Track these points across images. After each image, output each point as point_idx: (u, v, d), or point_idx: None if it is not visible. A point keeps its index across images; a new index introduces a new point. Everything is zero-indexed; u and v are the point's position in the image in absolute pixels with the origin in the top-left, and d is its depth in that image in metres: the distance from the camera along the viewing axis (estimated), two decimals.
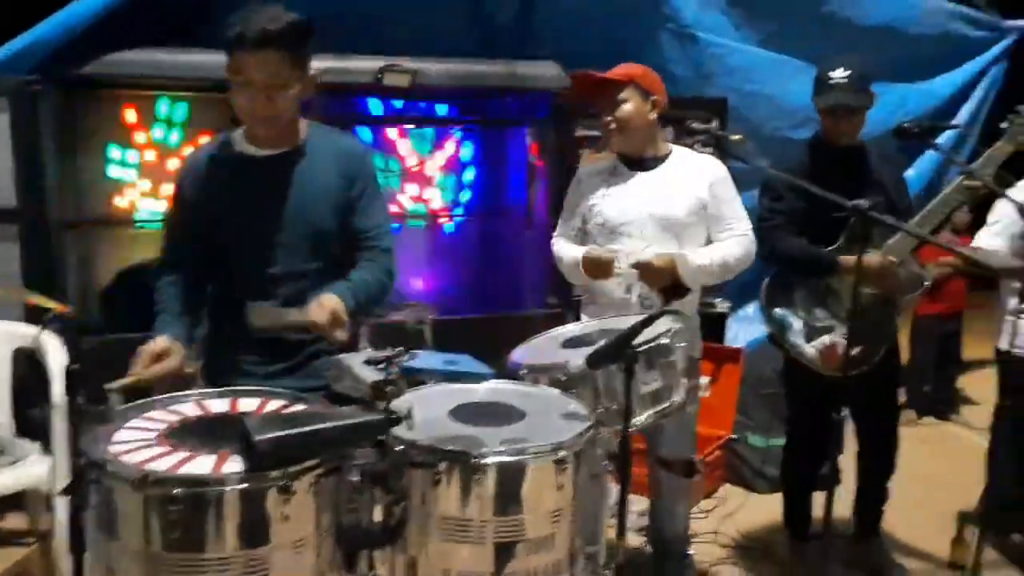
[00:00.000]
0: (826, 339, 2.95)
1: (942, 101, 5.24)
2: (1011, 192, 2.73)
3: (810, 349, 3.00)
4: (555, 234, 2.97)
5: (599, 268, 2.69)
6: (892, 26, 5.03)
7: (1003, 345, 3.24)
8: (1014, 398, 2.37)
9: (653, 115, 2.75)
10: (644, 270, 2.63)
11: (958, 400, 5.61)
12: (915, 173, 4.94)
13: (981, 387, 2.41)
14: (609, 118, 2.75)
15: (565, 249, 2.88)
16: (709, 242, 2.79)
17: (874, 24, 4.95)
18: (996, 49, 5.41)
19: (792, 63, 4.91)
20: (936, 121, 4.68)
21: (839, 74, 2.96)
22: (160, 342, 1.98)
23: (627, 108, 2.72)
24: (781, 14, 4.84)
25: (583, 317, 2.86)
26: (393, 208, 4.41)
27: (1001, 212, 3.24)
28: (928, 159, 5.17)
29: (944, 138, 4.96)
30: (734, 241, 2.76)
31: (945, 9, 5.24)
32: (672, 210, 2.73)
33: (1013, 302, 3.17)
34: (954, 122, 5.03)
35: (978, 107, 5.39)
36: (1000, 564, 3.45)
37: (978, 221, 3.45)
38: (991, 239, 3.28)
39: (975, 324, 5.62)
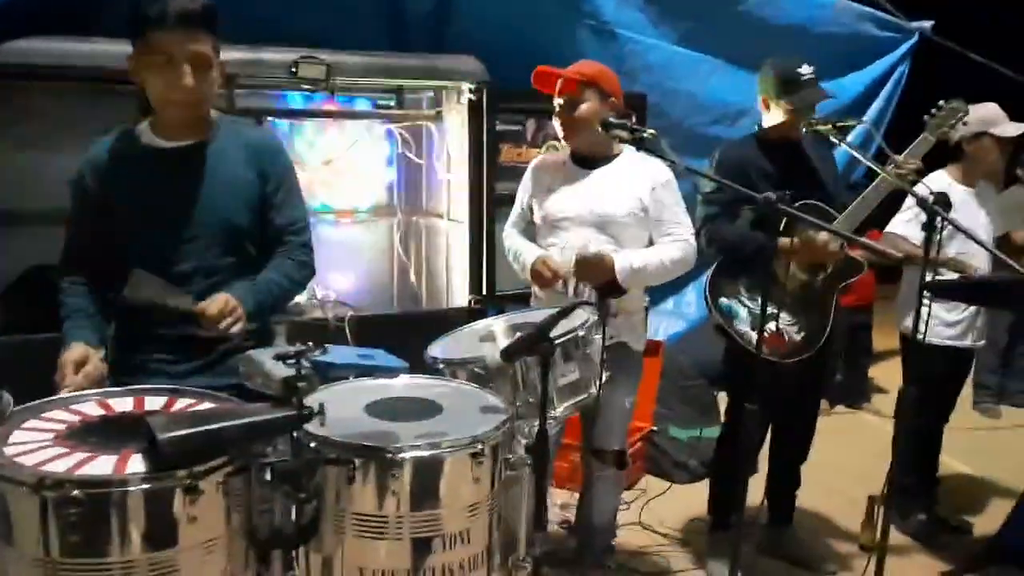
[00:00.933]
0: (771, 326, 3.00)
1: (851, 99, 5.42)
2: (919, 187, 2.84)
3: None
4: (507, 224, 3.03)
5: (545, 280, 2.74)
6: (804, 26, 5.18)
7: (902, 330, 3.38)
8: (914, 381, 2.45)
9: (609, 116, 2.73)
10: (579, 265, 2.66)
11: (870, 389, 5.81)
12: None
13: (892, 376, 2.51)
14: (564, 116, 2.76)
15: (517, 242, 2.93)
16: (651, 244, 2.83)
17: (787, 23, 5.09)
18: (901, 49, 5.62)
19: (709, 61, 5.03)
20: (846, 118, 4.83)
21: (807, 70, 3.03)
22: (77, 349, 1.93)
23: (584, 108, 2.73)
24: (697, 13, 4.94)
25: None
26: (311, 204, 4.34)
27: (911, 203, 3.39)
28: (840, 155, 5.33)
29: (852, 135, 5.12)
30: (673, 244, 2.78)
31: (854, 10, 5.43)
32: (610, 209, 2.75)
33: (911, 287, 3.32)
34: (862, 119, 5.19)
35: (885, 105, 5.60)
36: (905, 544, 3.59)
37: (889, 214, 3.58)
38: (904, 227, 3.43)
39: (885, 315, 5.82)
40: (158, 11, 1.88)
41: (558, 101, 2.78)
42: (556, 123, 2.82)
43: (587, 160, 2.84)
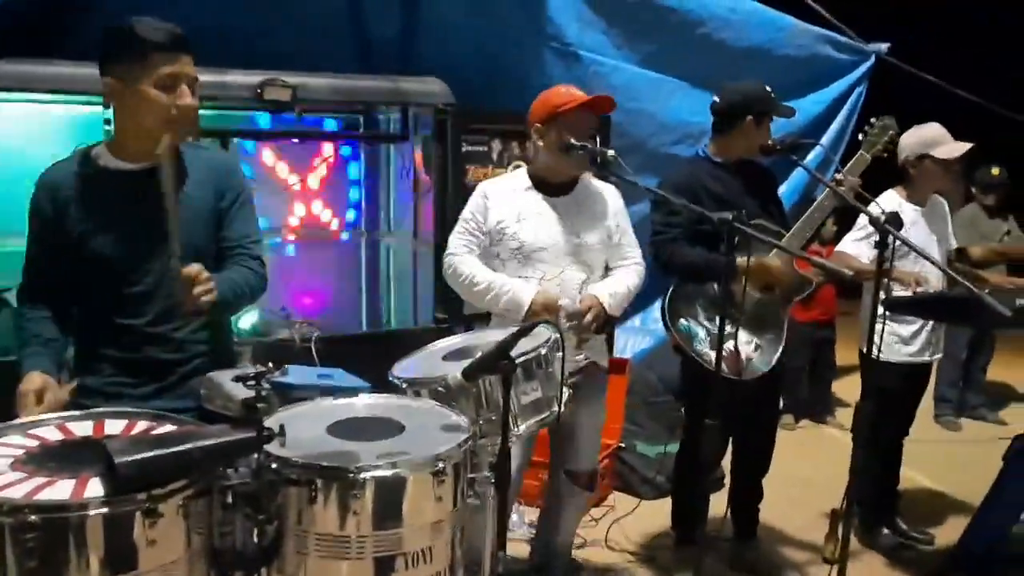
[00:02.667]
0: (729, 345, 3.05)
1: (810, 119, 5.51)
2: (871, 207, 2.91)
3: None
4: (452, 250, 2.83)
5: (547, 313, 2.62)
6: (763, 48, 5.27)
7: (863, 347, 3.44)
8: (871, 398, 2.50)
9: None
10: (578, 320, 2.63)
11: (834, 404, 5.89)
12: (787, 189, 5.18)
13: (855, 391, 2.56)
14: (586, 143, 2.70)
15: (476, 270, 2.77)
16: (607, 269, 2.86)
17: (746, 46, 5.17)
18: (859, 71, 5.73)
19: (671, 82, 5.10)
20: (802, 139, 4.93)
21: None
22: (36, 379, 1.93)
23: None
24: (658, 36, 5.00)
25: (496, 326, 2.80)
26: (277, 224, 4.34)
27: (863, 222, 3.45)
28: (799, 176, 5.43)
29: (810, 157, 5.22)
30: (632, 271, 2.86)
31: (812, 33, 5.53)
32: (585, 238, 2.79)
33: (869, 305, 3.38)
34: (819, 141, 5.30)
35: (843, 125, 5.70)
36: (868, 556, 3.65)
37: (842, 233, 3.66)
38: (855, 245, 3.49)
39: (847, 330, 5.91)
40: (164, 35, 1.96)
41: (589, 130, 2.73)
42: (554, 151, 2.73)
43: (552, 186, 2.82)
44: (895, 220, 2.43)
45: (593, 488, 3.07)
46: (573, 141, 2.64)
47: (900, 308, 3.29)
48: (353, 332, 4.26)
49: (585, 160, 2.71)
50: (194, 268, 1.88)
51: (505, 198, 2.81)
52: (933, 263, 2.74)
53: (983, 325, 5.03)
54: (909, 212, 3.49)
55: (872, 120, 3.12)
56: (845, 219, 3.56)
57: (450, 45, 4.40)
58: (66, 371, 2.13)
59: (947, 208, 3.74)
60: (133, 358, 2.06)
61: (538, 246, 2.75)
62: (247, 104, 3.64)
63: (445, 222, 3.98)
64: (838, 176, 3.02)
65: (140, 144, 2.03)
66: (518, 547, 3.34)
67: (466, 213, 2.86)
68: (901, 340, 3.52)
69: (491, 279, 2.75)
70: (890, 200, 3.52)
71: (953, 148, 3.44)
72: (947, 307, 3.25)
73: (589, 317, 2.65)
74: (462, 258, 2.81)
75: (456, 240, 2.85)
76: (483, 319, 3.62)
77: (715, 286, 3.08)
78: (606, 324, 2.76)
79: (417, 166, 4.16)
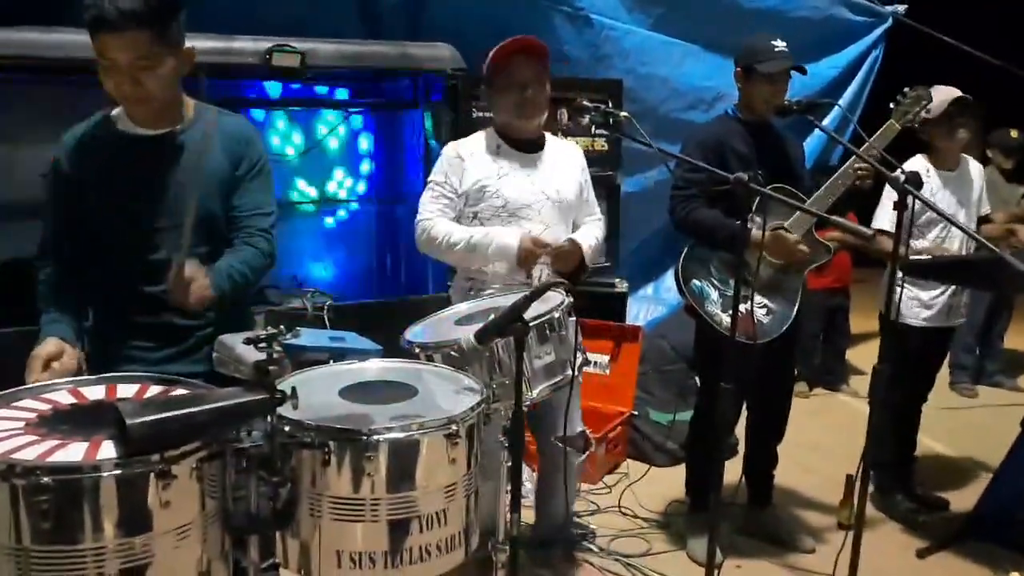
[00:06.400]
0: (743, 308, 3.01)
1: (826, 82, 5.45)
2: (896, 172, 2.85)
3: (728, 318, 3.08)
4: (425, 216, 2.76)
5: (534, 256, 2.65)
6: (778, 10, 5.20)
7: (882, 309, 3.40)
8: (889, 361, 2.47)
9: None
10: (558, 256, 2.67)
11: (848, 371, 5.86)
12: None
13: (870, 358, 2.52)
14: (536, 93, 2.71)
15: (452, 229, 2.72)
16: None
17: (760, 8, 5.11)
18: (875, 33, 5.65)
19: (683, 46, 5.04)
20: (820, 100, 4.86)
21: (781, 44, 3.07)
22: (50, 345, 1.91)
23: (548, 87, 2.75)
24: None
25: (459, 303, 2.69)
26: (290, 194, 4.32)
27: (889, 194, 3.39)
28: (816, 138, 5.37)
29: (827, 119, 5.15)
30: (598, 225, 2.93)
31: None
32: (565, 194, 2.79)
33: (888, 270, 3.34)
34: (837, 102, 5.23)
35: (860, 89, 5.63)
36: (883, 522, 3.64)
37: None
38: (890, 221, 3.35)
39: (861, 298, 5.87)
40: (95, 14, 1.82)
41: (527, 76, 2.71)
42: (516, 102, 2.71)
43: (523, 143, 2.80)
44: (915, 180, 2.38)
45: (587, 449, 3.06)
46: (586, 103, 2.59)
47: (920, 272, 3.25)
48: (363, 301, 4.25)
49: (533, 116, 2.73)
50: (191, 269, 1.86)
51: (481, 157, 2.77)
52: (956, 225, 2.68)
53: (1006, 288, 4.95)
54: (937, 178, 3.45)
55: (906, 90, 3.05)
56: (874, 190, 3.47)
57: (460, 10, 4.34)
58: (85, 336, 2.12)
59: (979, 171, 3.66)
60: (151, 323, 2.06)
61: (522, 203, 2.74)
62: (256, 71, 3.61)
63: None
64: (871, 141, 2.96)
65: (136, 114, 2.00)
66: (526, 514, 3.34)
67: (437, 176, 2.79)
68: (922, 304, 3.48)
69: (470, 233, 2.69)
70: (917, 166, 3.47)
71: (941, 101, 3.33)
72: (968, 270, 3.21)
73: (569, 260, 2.70)
74: (434, 221, 2.75)
75: (428, 205, 2.78)
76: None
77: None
78: (581, 271, 2.76)
79: (427, 133, 4.12)
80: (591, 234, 2.85)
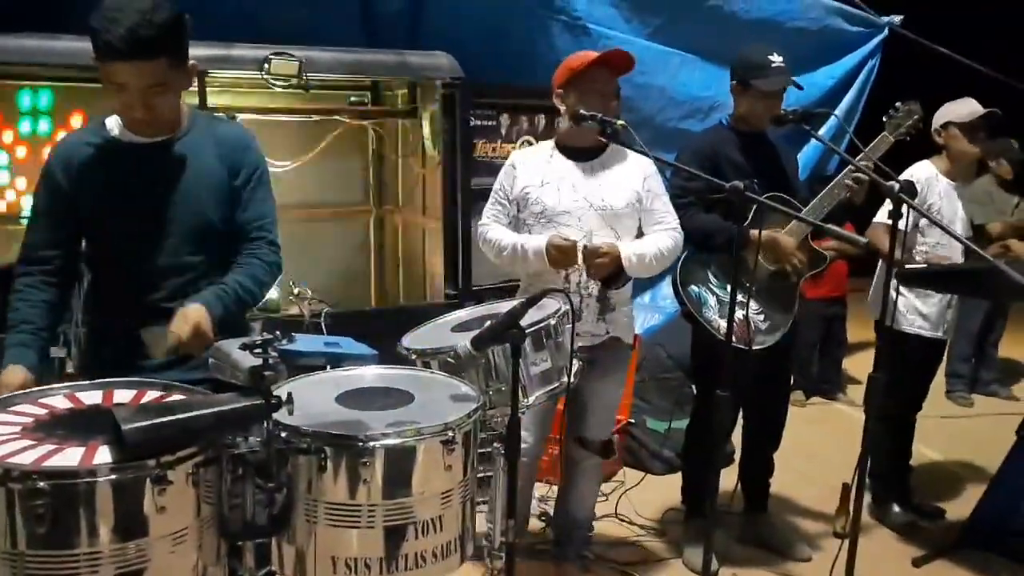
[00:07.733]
0: (739, 314, 3.02)
1: (822, 93, 5.46)
2: (902, 175, 2.89)
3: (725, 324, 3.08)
4: (483, 220, 2.92)
5: (565, 256, 2.65)
6: (774, 20, 5.21)
7: (877, 317, 3.42)
8: (885, 369, 2.48)
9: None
10: (591, 256, 2.64)
11: (844, 380, 5.86)
12: (800, 161, 5.14)
13: (866, 368, 2.52)
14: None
15: (503, 235, 2.82)
16: (641, 234, 2.84)
17: (757, 18, 5.12)
18: (871, 43, 5.66)
19: (680, 56, 5.05)
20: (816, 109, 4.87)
21: (778, 59, 3.08)
22: (17, 377, 1.88)
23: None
24: (668, 8, 4.95)
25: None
26: (286, 201, 4.32)
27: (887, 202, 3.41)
28: (812, 148, 5.38)
29: (824, 129, 5.17)
30: (665, 234, 2.81)
31: (824, 4, 5.46)
32: (611, 201, 2.77)
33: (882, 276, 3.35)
34: (833, 111, 5.24)
35: (856, 99, 5.64)
36: (879, 530, 3.64)
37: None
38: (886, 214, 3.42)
39: (858, 307, 5.87)
40: (105, 41, 1.80)
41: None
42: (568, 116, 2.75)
43: (578, 152, 2.83)
44: (909, 189, 2.40)
45: (608, 455, 3.07)
46: (583, 111, 2.61)
47: (914, 279, 3.26)
48: (362, 308, 4.26)
49: (596, 129, 2.67)
50: (188, 328, 1.83)
51: (531, 165, 2.85)
52: (950, 234, 2.69)
53: (1000, 296, 4.97)
54: (943, 184, 3.48)
55: (897, 104, 3.09)
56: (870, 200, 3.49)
57: (458, 19, 4.35)
58: (74, 345, 2.12)
59: (991, 195, 3.68)
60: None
61: (560, 209, 2.76)
62: (254, 79, 3.62)
63: (454, 197, 3.97)
64: (866, 151, 2.98)
65: (138, 127, 2.00)
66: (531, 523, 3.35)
67: (496, 184, 2.92)
68: (919, 314, 3.49)
69: (513, 240, 2.79)
70: (925, 170, 3.51)
71: (973, 111, 3.43)
72: (963, 279, 3.22)
73: (603, 259, 2.64)
74: (489, 226, 2.88)
75: (487, 211, 2.93)
76: (493, 294, 3.62)
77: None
78: (618, 278, 2.73)
79: (425, 141, 4.13)
80: (648, 243, 2.78)
